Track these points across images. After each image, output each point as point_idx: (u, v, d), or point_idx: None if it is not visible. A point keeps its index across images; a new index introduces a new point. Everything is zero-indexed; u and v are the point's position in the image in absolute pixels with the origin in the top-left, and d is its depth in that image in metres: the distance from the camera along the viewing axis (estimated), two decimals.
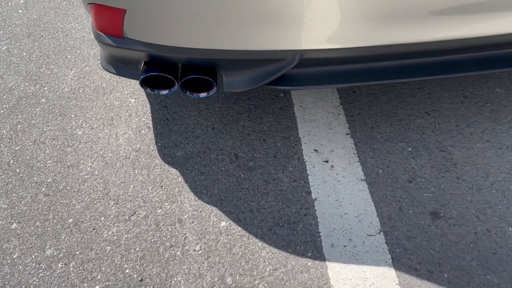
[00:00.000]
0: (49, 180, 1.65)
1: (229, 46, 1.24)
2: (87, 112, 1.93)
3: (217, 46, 1.25)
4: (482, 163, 1.66)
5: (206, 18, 1.20)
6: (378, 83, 1.37)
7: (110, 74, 2.09)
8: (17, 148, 1.78)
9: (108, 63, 1.50)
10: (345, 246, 1.43)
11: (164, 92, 1.42)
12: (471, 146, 1.72)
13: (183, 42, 1.26)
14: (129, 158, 1.72)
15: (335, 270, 1.36)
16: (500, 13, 1.27)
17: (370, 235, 1.45)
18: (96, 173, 1.67)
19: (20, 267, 1.40)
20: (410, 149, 1.72)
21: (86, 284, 1.35)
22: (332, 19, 1.20)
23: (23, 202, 1.58)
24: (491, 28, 1.28)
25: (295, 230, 1.48)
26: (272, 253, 1.42)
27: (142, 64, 1.39)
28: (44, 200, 1.59)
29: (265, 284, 1.34)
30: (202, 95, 1.41)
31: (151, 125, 1.85)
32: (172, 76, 1.36)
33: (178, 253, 1.43)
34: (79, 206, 1.56)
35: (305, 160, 1.69)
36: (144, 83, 1.40)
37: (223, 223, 1.50)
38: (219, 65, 1.34)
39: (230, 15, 1.18)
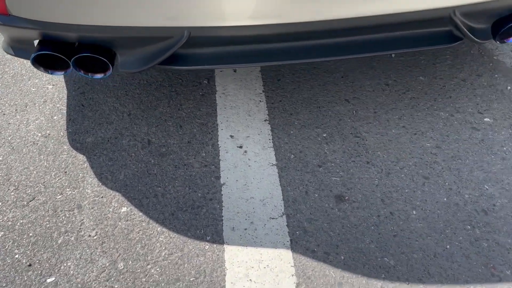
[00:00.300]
0: None
1: (113, 22, 1.21)
2: (1, 99, 1.86)
3: (100, 22, 1.21)
4: (394, 148, 1.66)
5: None
6: (281, 63, 1.35)
7: None
8: None
9: (7, 44, 1.45)
10: (246, 229, 1.41)
11: (59, 73, 1.37)
12: (386, 132, 1.72)
13: (66, 19, 1.22)
14: (37, 144, 1.66)
15: (232, 253, 1.34)
16: None
17: (273, 218, 1.43)
18: (0, 158, 1.61)
19: None
20: (325, 135, 1.71)
21: None
22: None
23: None
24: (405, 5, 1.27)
25: (198, 215, 1.45)
26: (171, 237, 1.39)
27: (37, 43, 1.34)
28: None
29: (158, 269, 1.31)
30: (97, 76, 1.37)
31: (65, 111, 1.80)
32: (65, 55, 1.31)
33: (72, 238, 1.38)
34: None
35: (219, 146, 1.67)
36: (36, 62, 1.35)
37: (124, 209, 1.46)
38: (111, 44, 1.30)
39: None
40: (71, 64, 1.33)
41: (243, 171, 1.58)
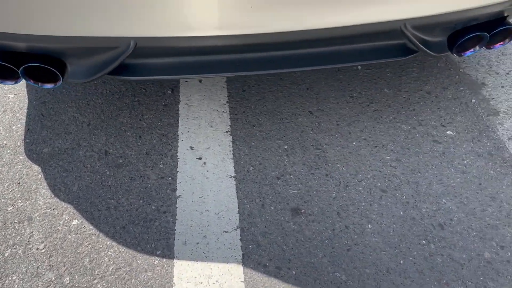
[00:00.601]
0: None
1: (61, 32, 1.19)
2: None
3: (48, 32, 1.19)
4: (354, 160, 1.65)
5: (30, 1, 1.14)
6: (229, 75, 1.34)
7: None
8: None
9: None
10: (198, 243, 1.38)
11: (10, 82, 1.35)
12: (347, 144, 1.72)
13: (14, 28, 1.20)
14: None
15: (181, 268, 1.32)
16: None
17: (226, 232, 1.41)
18: None
19: None
20: (286, 146, 1.70)
21: None
22: (166, 5, 1.17)
23: None
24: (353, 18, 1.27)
25: (150, 228, 1.42)
26: (120, 252, 1.36)
27: None
28: None
29: (104, 284, 1.28)
30: (47, 85, 1.35)
31: (25, 121, 1.77)
32: (14, 65, 1.29)
33: (20, 251, 1.35)
34: None
35: (178, 157, 1.65)
36: None
37: (75, 222, 1.43)
38: (60, 54, 1.28)
39: None
40: (19, 73, 1.30)
41: (200, 183, 1.56)
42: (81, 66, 1.30)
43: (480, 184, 1.58)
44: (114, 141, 1.70)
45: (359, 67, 2.09)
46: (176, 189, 1.54)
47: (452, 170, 1.63)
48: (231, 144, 1.70)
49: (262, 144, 1.71)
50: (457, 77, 2.03)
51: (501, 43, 1.55)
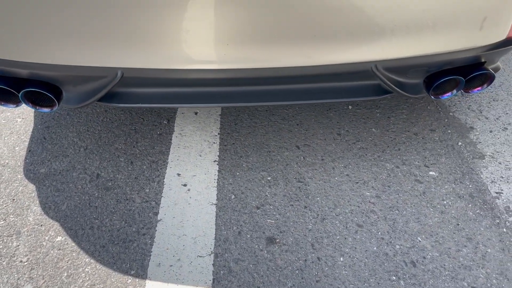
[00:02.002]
0: None
1: (55, 61, 1.32)
2: None
3: (44, 61, 1.32)
4: (334, 195, 1.70)
5: (24, 31, 1.28)
6: (205, 106, 1.43)
7: None
8: None
9: None
10: (171, 266, 1.43)
11: (11, 105, 1.47)
12: (329, 179, 1.77)
13: (16, 56, 1.33)
14: None
15: None
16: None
17: (200, 256, 1.46)
18: None
19: None
20: (269, 178, 1.76)
21: None
22: (149, 41, 1.29)
23: None
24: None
25: (128, 249, 1.49)
26: (97, 269, 1.42)
27: None
28: None
29: None
30: (44, 109, 1.46)
31: (27, 143, 1.89)
32: (15, 89, 1.42)
33: (4, 263, 1.42)
34: None
35: (164, 183, 1.72)
36: None
37: (59, 238, 1.51)
38: (56, 81, 1.41)
39: (45, 30, 1.26)
40: (19, 97, 1.43)
41: (182, 208, 1.62)
42: (74, 93, 1.41)
43: (458, 224, 1.59)
44: (106, 165, 1.79)
45: (350, 107, 2.16)
46: (158, 213, 1.61)
47: (431, 209, 1.65)
48: (216, 173, 1.77)
49: (246, 175, 1.77)
50: (446, 120, 2.08)
51: (479, 88, 1.61)
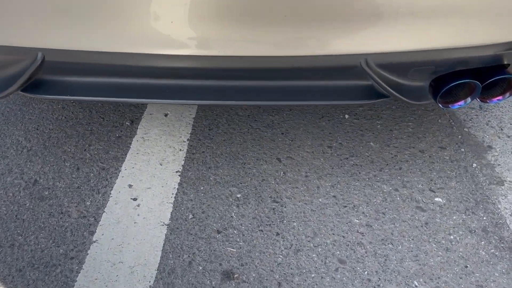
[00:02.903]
0: None
1: None
2: None
3: None
4: (315, 220, 1.38)
5: None
6: (159, 102, 1.14)
7: None
8: None
9: None
10: None
11: None
12: (311, 200, 1.45)
13: None
14: None
15: None
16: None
17: None
18: None
19: None
20: (239, 195, 1.46)
21: None
22: (77, 15, 1.00)
23: None
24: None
25: (48, 275, 1.19)
26: None
27: None
28: None
29: None
30: None
31: None
32: None
33: None
34: None
35: (110, 195, 1.43)
36: None
37: None
38: None
39: None
40: None
41: (125, 228, 1.33)
42: None
43: (466, 267, 1.26)
44: (48, 171, 1.51)
45: (346, 116, 1.85)
46: (95, 232, 1.31)
47: (434, 245, 1.32)
48: (176, 186, 1.48)
49: (212, 190, 1.47)
50: (459, 136, 1.74)
51: (499, 97, 1.28)
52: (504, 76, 1.16)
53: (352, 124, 1.80)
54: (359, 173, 1.57)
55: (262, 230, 1.34)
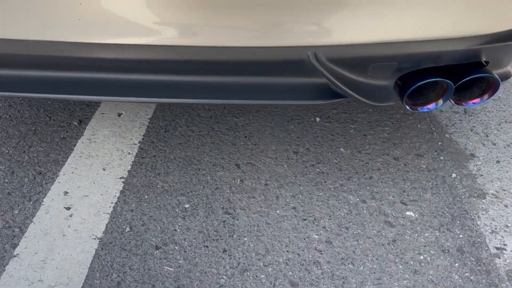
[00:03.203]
0: None
1: None
2: None
3: None
4: (270, 235, 1.23)
5: None
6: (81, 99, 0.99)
7: None
8: None
9: None
10: None
11: None
12: (268, 211, 1.30)
13: None
14: None
15: None
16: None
17: None
18: None
19: None
20: (187, 205, 1.30)
21: None
22: None
23: None
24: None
25: None
26: None
27: None
28: None
29: None
30: None
31: None
32: None
33: None
34: None
35: (42, 203, 1.28)
36: None
37: None
38: None
39: None
40: None
41: (51, 241, 1.17)
42: None
43: None
44: None
45: (317, 119, 1.69)
46: (18, 245, 1.16)
47: (400, 266, 1.16)
48: (118, 194, 1.32)
49: (158, 199, 1.32)
50: (439, 143, 1.59)
51: (476, 99, 1.13)
52: (479, 75, 1.01)
53: (323, 128, 1.64)
54: (325, 182, 1.41)
55: (207, 246, 1.19)
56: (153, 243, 1.19)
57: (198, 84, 0.97)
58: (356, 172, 1.45)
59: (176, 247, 1.18)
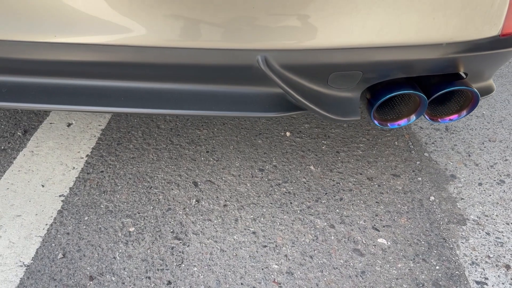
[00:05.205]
0: None
1: None
2: None
3: None
4: (223, 264, 1.08)
5: None
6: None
7: None
8: None
9: None
10: None
11: None
12: (224, 237, 1.15)
13: None
14: None
15: None
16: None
17: None
18: None
19: None
20: (132, 229, 1.15)
21: None
22: None
23: None
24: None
25: None
26: None
27: None
28: None
29: None
30: None
31: None
32: None
33: None
34: None
35: None
36: None
37: None
38: None
39: None
40: None
41: None
42: None
43: None
44: None
45: (288, 133, 1.56)
46: None
47: None
48: (55, 214, 1.17)
49: (99, 221, 1.16)
50: (418, 162, 1.46)
51: (454, 115, 1.00)
52: (456, 88, 0.88)
53: (293, 144, 1.51)
54: (291, 203, 1.27)
55: (149, 277, 1.04)
56: (88, 273, 1.03)
57: (125, 91, 0.83)
58: (326, 193, 1.31)
59: (113, 278, 1.03)
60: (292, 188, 1.33)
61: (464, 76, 0.97)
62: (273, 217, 1.23)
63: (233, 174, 1.37)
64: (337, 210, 1.26)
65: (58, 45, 0.82)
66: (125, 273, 1.05)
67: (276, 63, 0.78)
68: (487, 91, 1.03)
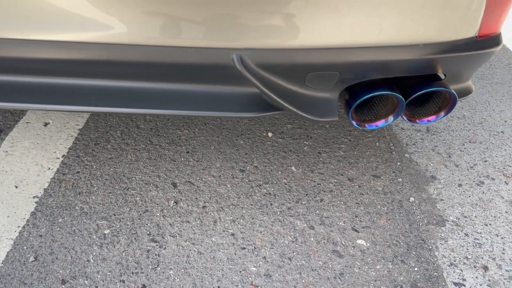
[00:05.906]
0: None
1: None
2: None
3: None
4: (200, 267, 1.06)
5: None
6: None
7: None
8: None
9: None
10: None
11: None
12: (202, 239, 1.13)
13: None
14: None
15: None
16: None
17: None
18: None
19: None
20: (108, 231, 1.13)
21: None
22: None
23: None
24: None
25: None
26: None
27: None
28: None
29: None
30: None
31: None
32: None
33: None
34: None
35: None
36: None
37: None
38: None
39: None
40: None
41: None
42: None
43: None
44: None
45: (270, 134, 1.54)
46: None
47: None
48: (28, 216, 1.14)
49: (73, 223, 1.14)
50: (398, 163, 1.46)
51: (432, 117, 1.00)
52: (433, 89, 0.88)
53: (275, 144, 1.50)
54: (271, 204, 1.26)
55: (123, 281, 1.01)
56: (60, 277, 1.01)
57: (102, 90, 0.81)
58: (306, 194, 1.30)
59: (86, 282, 1.00)
60: (272, 189, 1.32)
61: (443, 78, 0.97)
62: (252, 218, 1.22)
63: (213, 175, 1.35)
64: (317, 211, 1.25)
65: (28, 42, 0.79)
66: (99, 276, 1.02)
67: (252, 62, 0.77)
68: (466, 92, 1.03)
